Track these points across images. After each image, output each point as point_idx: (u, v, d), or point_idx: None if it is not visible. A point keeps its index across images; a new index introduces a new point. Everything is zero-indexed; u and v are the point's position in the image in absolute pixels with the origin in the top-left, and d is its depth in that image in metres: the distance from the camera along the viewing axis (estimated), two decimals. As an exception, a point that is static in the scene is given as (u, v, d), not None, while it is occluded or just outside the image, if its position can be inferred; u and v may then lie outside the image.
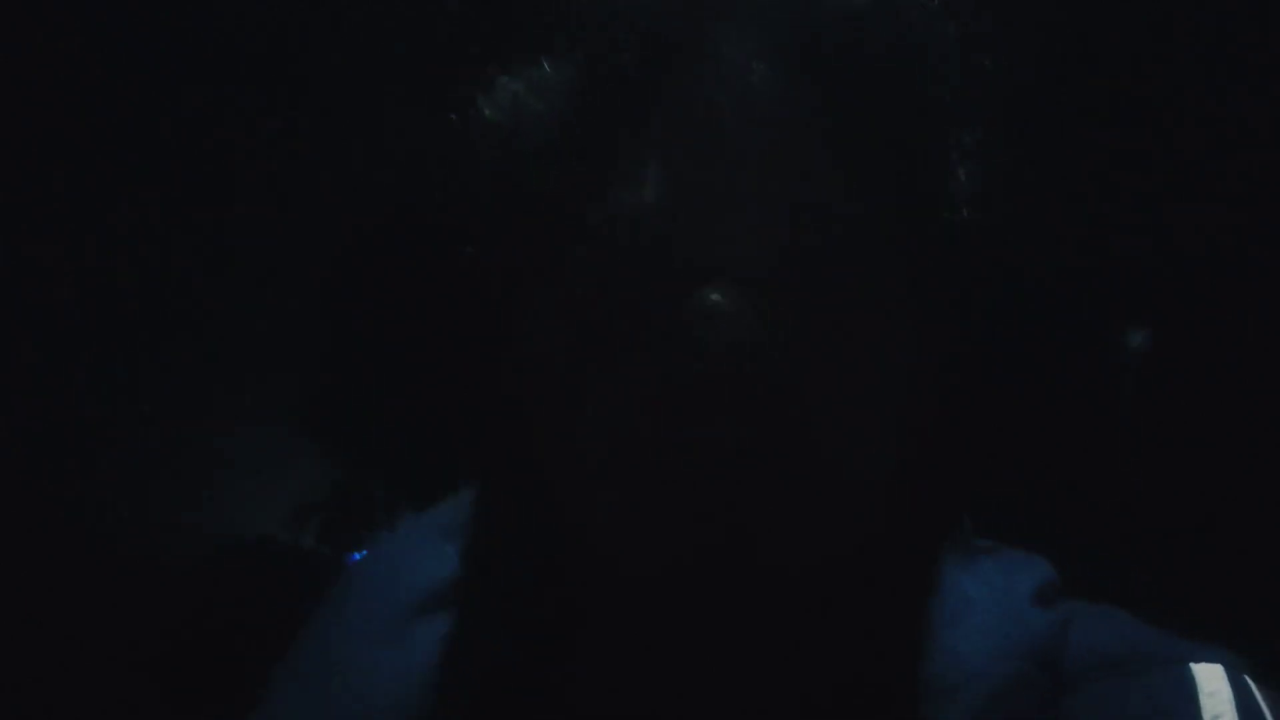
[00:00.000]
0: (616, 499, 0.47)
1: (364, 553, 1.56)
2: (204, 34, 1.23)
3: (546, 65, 0.52)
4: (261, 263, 1.39)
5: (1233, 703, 0.50)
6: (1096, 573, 0.56)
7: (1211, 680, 0.50)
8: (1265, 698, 0.51)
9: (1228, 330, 1.14)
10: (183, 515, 1.48)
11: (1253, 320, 1.13)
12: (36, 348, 1.35)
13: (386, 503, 1.52)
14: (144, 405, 1.43)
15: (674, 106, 0.50)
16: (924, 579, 0.53)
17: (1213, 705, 0.50)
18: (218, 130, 1.29)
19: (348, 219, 1.32)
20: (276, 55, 1.23)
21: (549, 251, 0.50)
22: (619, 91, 0.50)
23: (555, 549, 0.50)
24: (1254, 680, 0.51)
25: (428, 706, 0.53)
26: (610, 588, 0.49)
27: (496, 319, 0.51)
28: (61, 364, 1.37)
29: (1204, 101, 1.12)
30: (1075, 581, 0.56)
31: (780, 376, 0.47)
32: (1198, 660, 0.51)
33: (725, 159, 0.49)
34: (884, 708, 0.50)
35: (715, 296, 0.46)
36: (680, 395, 0.46)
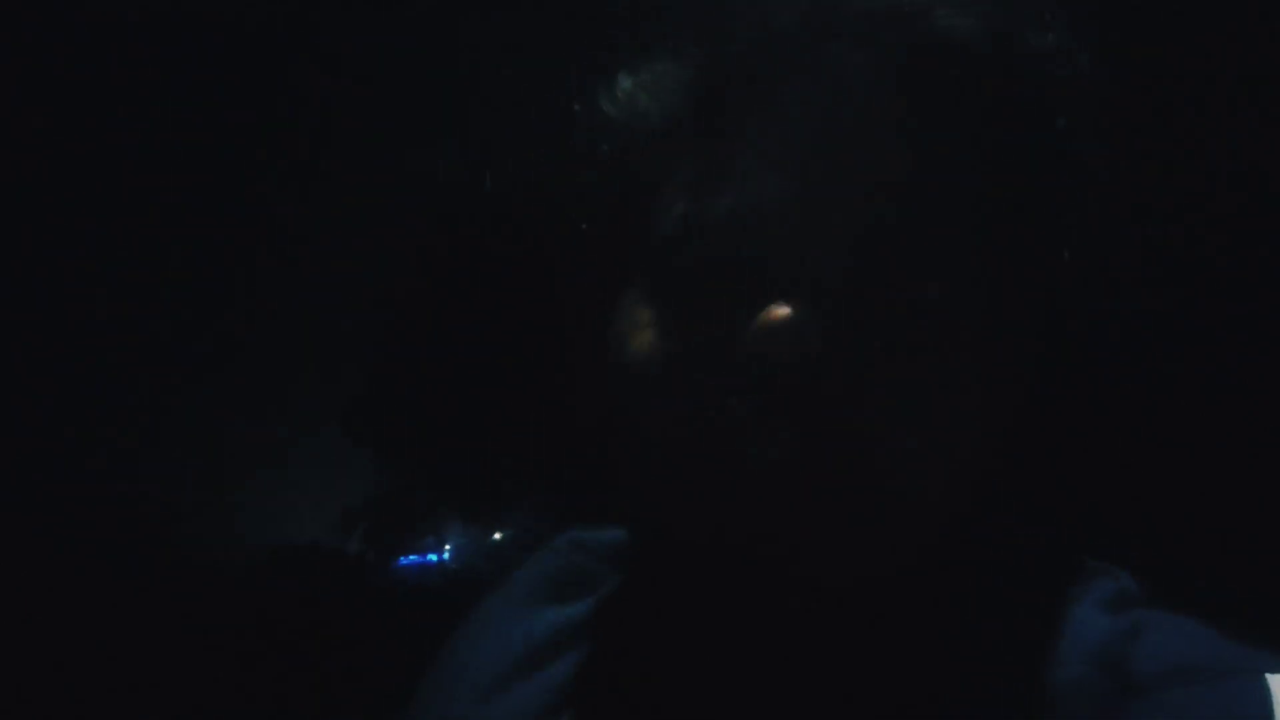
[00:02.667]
0: (679, 495, 0.49)
1: (412, 558, 1.57)
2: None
3: (662, 64, 0.54)
4: (311, 268, 1.40)
5: None
6: (1184, 589, 0.56)
7: None
8: None
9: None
10: (229, 520, 1.49)
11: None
12: (83, 349, 1.36)
13: (432, 508, 1.53)
14: (190, 410, 1.44)
15: (776, 116, 0.51)
16: (986, 598, 0.53)
17: None
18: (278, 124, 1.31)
19: (401, 225, 1.34)
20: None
21: (642, 245, 0.52)
22: (725, 96, 0.52)
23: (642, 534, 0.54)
24: None
25: None
26: (679, 559, 0.51)
27: (580, 316, 0.54)
28: (109, 367, 1.38)
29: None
30: (1164, 595, 0.55)
31: (838, 392, 0.48)
32: (1274, 670, 0.50)
33: (817, 172, 0.50)
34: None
35: (783, 310, 0.47)
36: (738, 404, 0.47)
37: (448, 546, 1.56)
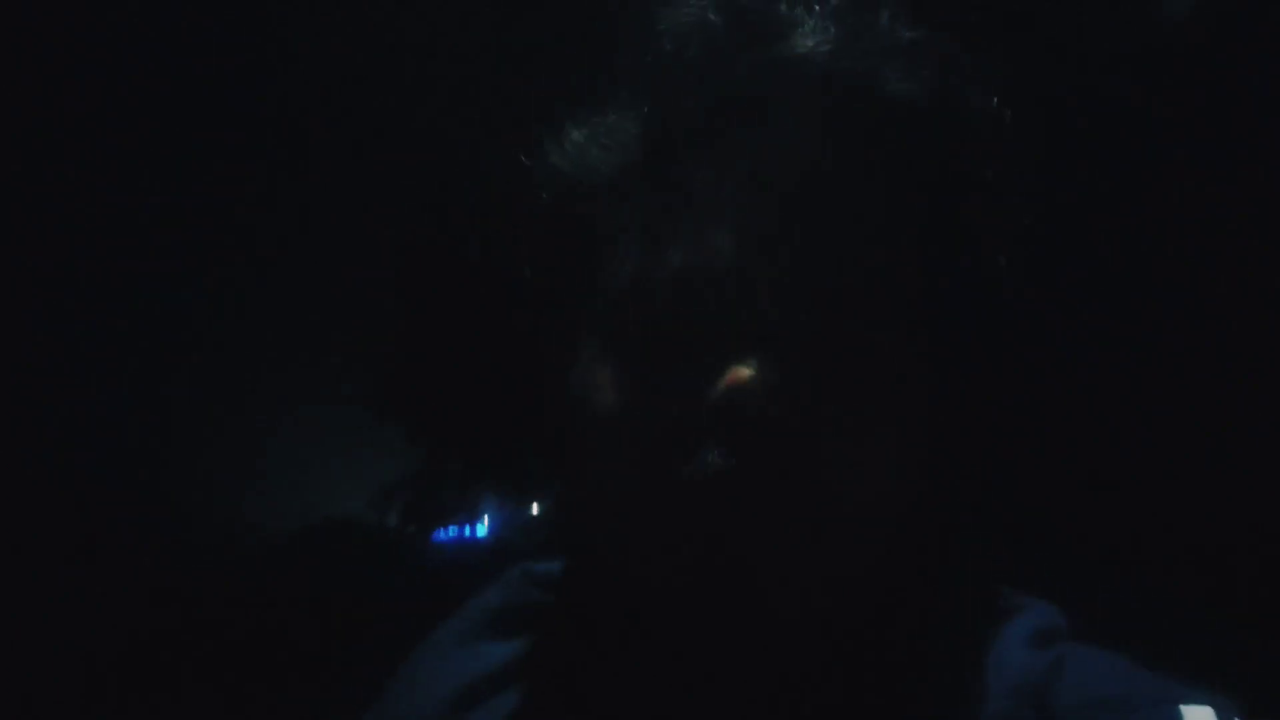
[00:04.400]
0: (639, 530, 0.52)
1: (448, 532, 1.59)
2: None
3: (614, 118, 0.54)
4: (340, 243, 1.41)
5: None
6: (1104, 600, 0.57)
7: None
8: None
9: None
10: (268, 498, 1.51)
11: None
12: (120, 330, 1.38)
13: (465, 482, 1.55)
14: (227, 390, 1.46)
15: (726, 173, 0.52)
16: (924, 614, 0.55)
17: None
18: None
19: (424, 214, 1.36)
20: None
21: (594, 299, 0.54)
22: (676, 151, 0.53)
23: (599, 566, 0.56)
24: None
25: None
26: (636, 600, 0.53)
27: (545, 338, 0.55)
28: (145, 348, 1.40)
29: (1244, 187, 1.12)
30: (1087, 621, 0.57)
31: (800, 443, 0.50)
32: (1188, 702, 0.51)
33: (766, 230, 0.51)
34: None
35: (746, 370, 0.49)
36: (709, 460, 0.50)
37: (483, 521, 1.57)
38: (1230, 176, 1.12)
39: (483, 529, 1.53)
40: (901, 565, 0.53)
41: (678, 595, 0.50)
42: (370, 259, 1.41)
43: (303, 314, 1.45)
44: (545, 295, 0.56)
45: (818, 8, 0.52)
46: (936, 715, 0.52)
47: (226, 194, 1.35)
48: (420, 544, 1.55)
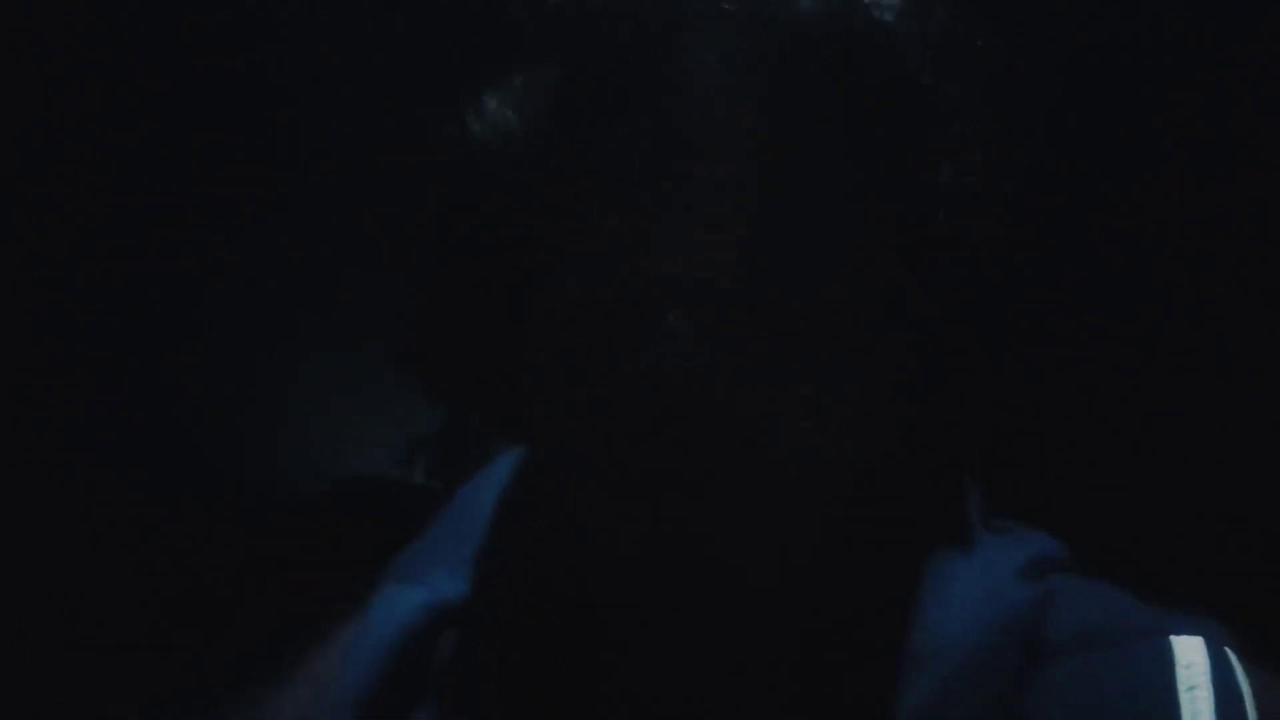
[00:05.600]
0: (592, 498, 0.50)
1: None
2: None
3: (523, 79, 0.52)
4: (361, 202, 1.42)
5: (1209, 675, 0.49)
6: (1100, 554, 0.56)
7: (1189, 652, 0.50)
8: (1244, 669, 0.50)
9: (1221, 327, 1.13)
10: (296, 456, 1.53)
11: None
12: (146, 288, 1.39)
13: (486, 439, 1.56)
14: (251, 351, 1.47)
15: (644, 121, 0.49)
16: (896, 572, 0.53)
17: (1188, 677, 0.49)
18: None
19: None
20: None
21: (531, 259, 0.52)
22: (591, 107, 0.50)
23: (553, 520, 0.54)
24: (1237, 652, 0.51)
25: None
26: (594, 566, 0.52)
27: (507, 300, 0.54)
28: (164, 306, 1.42)
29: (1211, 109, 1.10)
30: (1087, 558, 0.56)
31: (733, 391, 0.47)
32: (1178, 632, 0.51)
33: (693, 178, 0.48)
34: (848, 692, 0.52)
35: (671, 318, 0.47)
36: (639, 411, 0.48)
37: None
38: (1230, 176, 1.10)
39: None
40: (869, 520, 0.51)
41: (631, 564, 0.49)
42: (388, 219, 1.42)
43: (325, 273, 1.46)
44: (501, 261, 0.54)
45: None
46: (921, 653, 0.51)
47: (245, 159, 1.36)
48: (445, 498, 1.57)
